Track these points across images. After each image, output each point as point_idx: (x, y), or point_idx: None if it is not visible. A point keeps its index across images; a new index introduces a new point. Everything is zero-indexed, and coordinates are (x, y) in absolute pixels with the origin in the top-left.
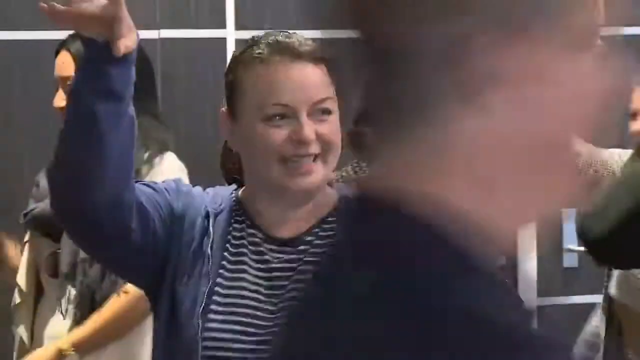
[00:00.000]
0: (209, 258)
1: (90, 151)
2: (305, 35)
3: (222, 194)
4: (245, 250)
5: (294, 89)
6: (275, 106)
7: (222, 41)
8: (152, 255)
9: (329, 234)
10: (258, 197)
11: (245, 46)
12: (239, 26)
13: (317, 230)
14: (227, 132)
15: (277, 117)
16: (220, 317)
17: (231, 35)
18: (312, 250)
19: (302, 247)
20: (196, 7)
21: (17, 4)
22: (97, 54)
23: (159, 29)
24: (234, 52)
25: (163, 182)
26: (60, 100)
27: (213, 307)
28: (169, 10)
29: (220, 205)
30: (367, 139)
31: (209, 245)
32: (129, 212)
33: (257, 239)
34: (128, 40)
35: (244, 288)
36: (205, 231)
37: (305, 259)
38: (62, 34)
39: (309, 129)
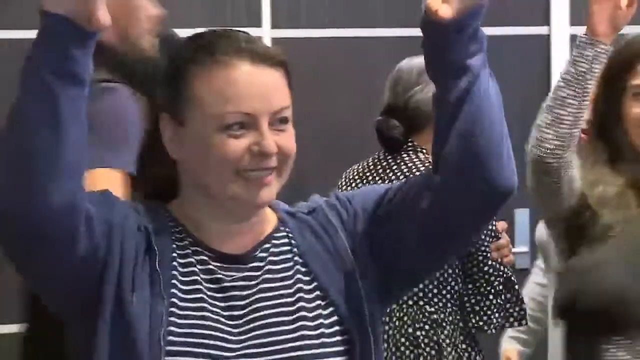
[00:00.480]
0: (159, 276)
1: (49, 140)
2: (343, 34)
3: (153, 209)
4: (194, 268)
5: (256, 97)
6: (235, 114)
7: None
8: (91, 270)
9: (282, 250)
10: (201, 211)
11: (191, 43)
12: (274, 25)
13: (268, 246)
14: (168, 138)
15: (236, 126)
16: (182, 339)
17: (267, 34)
18: (267, 267)
19: (255, 264)
20: (232, 6)
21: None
22: (65, 31)
23: (195, 27)
24: (177, 49)
25: (90, 192)
26: None
27: (172, 328)
28: (205, 9)
29: (155, 220)
30: (397, 130)
31: (156, 262)
32: (78, 220)
33: (203, 257)
34: (105, 15)
35: (203, 309)
36: (148, 247)
37: (263, 277)
38: None
39: (271, 140)
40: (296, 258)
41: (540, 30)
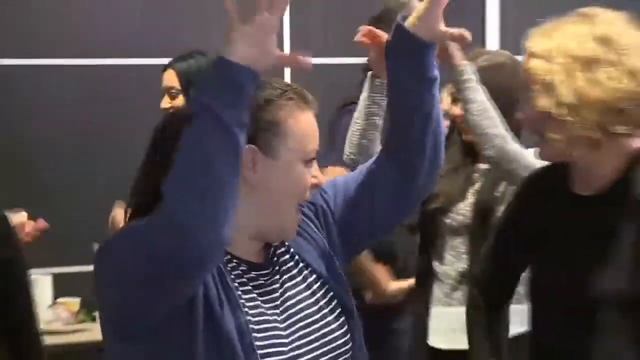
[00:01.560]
0: (231, 289)
1: (231, 187)
2: (345, 62)
3: None
4: (243, 279)
5: (317, 137)
6: (314, 151)
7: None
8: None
9: (282, 252)
10: (245, 228)
11: (272, 90)
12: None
13: (272, 251)
14: (247, 166)
15: (311, 161)
16: (263, 342)
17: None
18: (281, 269)
19: (275, 269)
20: None
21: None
22: (248, 82)
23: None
24: (261, 93)
25: None
26: (166, 103)
27: (255, 334)
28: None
29: None
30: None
31: (226, 276)
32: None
33: (242, 267)
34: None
35: (261, 314)
36: None
37: (282, 277)
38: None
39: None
40: (296, 257)
41: None
